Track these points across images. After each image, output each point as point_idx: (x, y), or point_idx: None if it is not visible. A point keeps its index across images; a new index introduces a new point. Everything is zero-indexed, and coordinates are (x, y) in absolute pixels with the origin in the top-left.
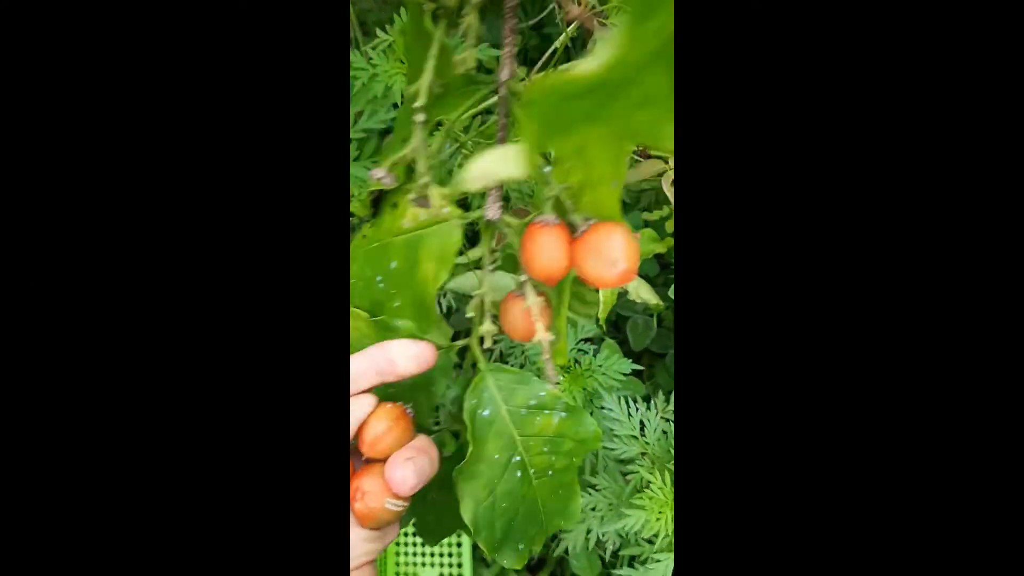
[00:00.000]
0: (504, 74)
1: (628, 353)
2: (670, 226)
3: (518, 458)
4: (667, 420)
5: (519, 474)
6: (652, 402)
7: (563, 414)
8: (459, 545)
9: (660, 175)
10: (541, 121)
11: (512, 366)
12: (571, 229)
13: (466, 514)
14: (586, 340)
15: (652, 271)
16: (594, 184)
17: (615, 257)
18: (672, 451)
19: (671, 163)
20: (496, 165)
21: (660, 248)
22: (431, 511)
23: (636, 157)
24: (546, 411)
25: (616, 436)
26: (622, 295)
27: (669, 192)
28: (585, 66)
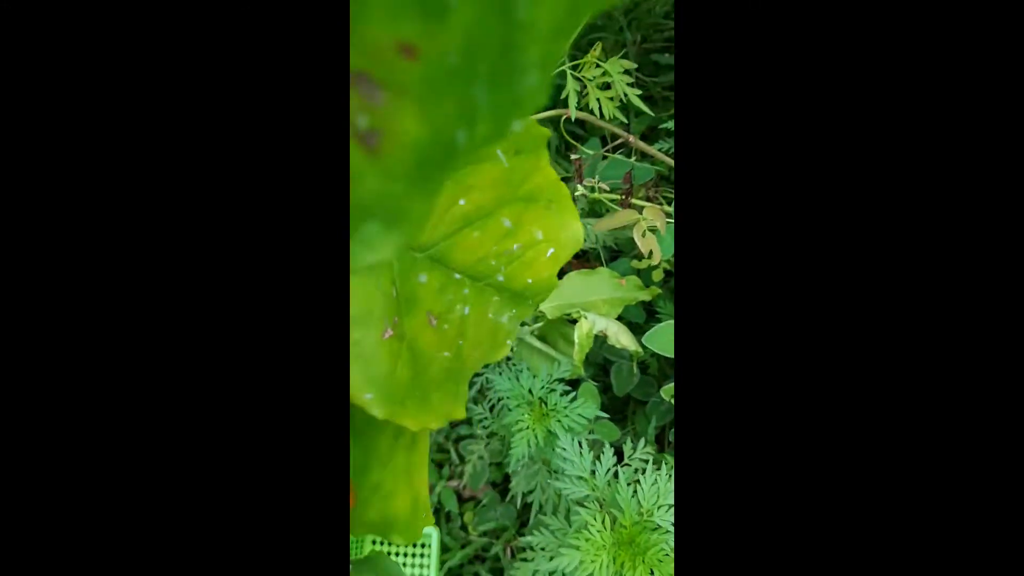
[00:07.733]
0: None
1: (613, 399)
2: (657, 275)
3: None
4: (631, 467)
5: None
6: (609, 447)
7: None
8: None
9: (632, 225)
10: None
11: None
12: None
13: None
14: (562, 380)
15: (639, 318)
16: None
17: None
18: (617, 495)
19: (645, 213)
20: None
21: (645, 296)
22: None
23: (614, 206)
24: None
25: (567, 476)
26: (601, 340)
27: (640, 242)
28: None
